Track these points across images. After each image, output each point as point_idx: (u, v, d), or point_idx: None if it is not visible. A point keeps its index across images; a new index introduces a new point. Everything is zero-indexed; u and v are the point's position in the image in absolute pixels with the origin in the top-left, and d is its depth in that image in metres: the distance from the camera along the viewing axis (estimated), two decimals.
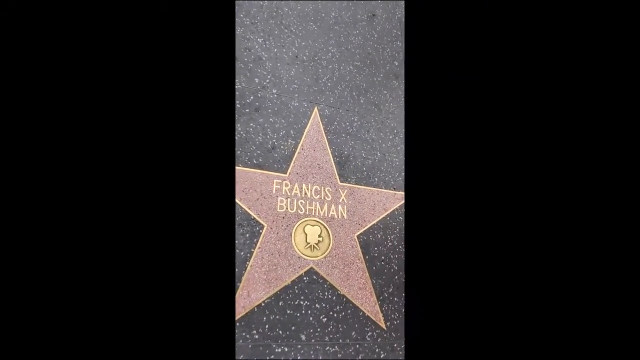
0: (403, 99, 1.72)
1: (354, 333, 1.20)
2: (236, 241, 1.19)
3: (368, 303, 1.26)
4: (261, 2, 1.61)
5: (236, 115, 1.36)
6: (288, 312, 1.15)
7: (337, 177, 1.43)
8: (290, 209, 1.31)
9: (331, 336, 1.17)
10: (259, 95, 1.44)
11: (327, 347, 1.15)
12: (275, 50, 1.56)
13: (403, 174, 1.55)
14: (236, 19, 1.55)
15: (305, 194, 1.35)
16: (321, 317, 1.18)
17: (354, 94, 1.63)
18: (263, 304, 1.14)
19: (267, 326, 1.11)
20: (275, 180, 1.33)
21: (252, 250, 1.19)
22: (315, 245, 1.28)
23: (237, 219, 1.22)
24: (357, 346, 1.19)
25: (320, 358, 1.13)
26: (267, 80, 1.48)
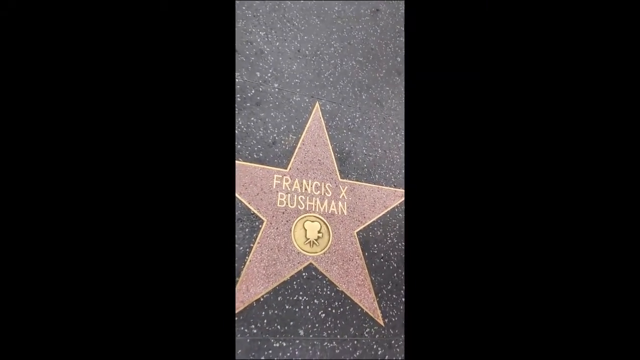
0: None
1: (352, 329, 1.20)
2: (235, 236, 1.19)
3: (367, 300, 1.27)
4: None
5: (237, 110, 1.35)
6: (287, 307, 1.15)
7: (338, 173, 1.43)
8: (290, 205, 1.30)
9: (329, 332, 1.17)
10: (260, 89, 1.43)
11: (325, 343, 1.16)
12: (277, 44, 1.55)
13: (404, 171, 1.55)
14: (238, 12, 1.53)
15: (306, 189, 1.35)
16: (319, 313, 1.19)
17: (356, 89, 1.62)
18: (262, 299, 1.14)
19: (265, 321, 1.11)
20: (275, 175, 1.32)
21: (252, 245, 1.19)
22: (315, 241, 1.28)
23: (236, 213, 1.21)
24: (355, 342, 1.19)
25: (318, 354, 1.14)
26: (269, 74, 1.47)
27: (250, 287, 1.13)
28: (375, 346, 1.21)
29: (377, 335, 1.23)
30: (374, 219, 1.41)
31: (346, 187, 1.41)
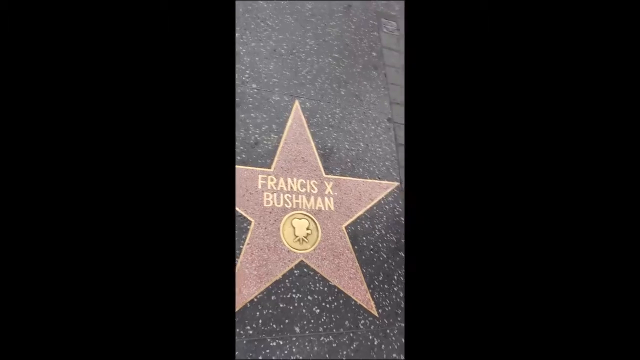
0: (383, 89, 1.74)
1: (347, 322, 1.22)
2: None
3: (359, 292, 1.28)
4: None
5: None
6: (281, 305, 1.16)
7: (322, 169, 1.43)
8: (277, 204, 1.30)
9: (325, 327, 1.18)
10: (239, 90, 1.42)
11: (322, 338, 1.16)
12: (253, 44, 1.54)
13: (387, 163, 1.57)
14: None
15: (291, 187, 1.35)
16: (314, 309, 1.19)
17: (334, 85, 1.63)
18: (255, 300, 1.13)
19: (260, 321, 1.11)
20: (260, 176, 1.32)
21: (241, 246, 1.19)
22: (304, 238, 1.29)
23: None
24: (351, 335, 1.21)
25: (315, 349, 1.14)
26: (246, 75, 1.46)
27: (243, 288, 1.13)
28: (371, 337, 1.23)
29: (372, 326, 1.24)
30: (360, 212, 1.42)
31: (331, 183, 1.42)
